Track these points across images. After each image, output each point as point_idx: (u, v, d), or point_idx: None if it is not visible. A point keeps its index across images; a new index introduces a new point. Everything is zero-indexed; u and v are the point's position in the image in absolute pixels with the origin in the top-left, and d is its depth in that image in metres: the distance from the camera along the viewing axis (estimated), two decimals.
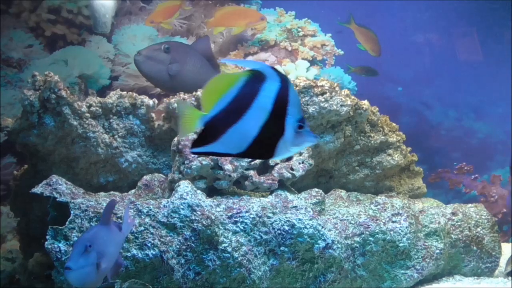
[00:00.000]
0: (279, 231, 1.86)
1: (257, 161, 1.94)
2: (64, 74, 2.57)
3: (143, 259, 1.71)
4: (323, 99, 2.15)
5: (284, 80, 1.19)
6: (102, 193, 1.97)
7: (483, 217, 2.24)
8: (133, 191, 2.04)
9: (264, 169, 1.97)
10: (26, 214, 2.18)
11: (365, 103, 2.24)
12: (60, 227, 1.71)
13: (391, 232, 1.99)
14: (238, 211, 1.84)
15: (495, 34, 4.74)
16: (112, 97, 2.15)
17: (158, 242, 1.73)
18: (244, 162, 1.93)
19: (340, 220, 1.98)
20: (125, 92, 2.17)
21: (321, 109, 2.15)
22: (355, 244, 1.97)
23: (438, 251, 2.09)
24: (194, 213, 1.76)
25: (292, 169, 1.97)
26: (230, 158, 1.91)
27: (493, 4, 4.63)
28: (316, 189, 1.99)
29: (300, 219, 1.87)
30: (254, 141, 1.19)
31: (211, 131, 1.18)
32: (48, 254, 1.70)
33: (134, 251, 1.72)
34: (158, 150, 2.22)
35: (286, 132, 1.19)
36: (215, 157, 1.90)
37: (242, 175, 1.93)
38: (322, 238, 1.89)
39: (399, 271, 2.02)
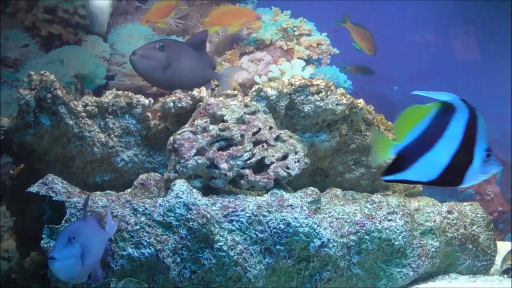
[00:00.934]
0: (274, 230, 1.86)
1: (253, 159, 1.94)
2: (60, 74, 2.57)
3: (139, 257, 1.72)
4: (318, 98, 2.16)
5: (472, 110, 1.27)
6: (98, 192, 1.97)
7: (478, 215, 2.25)
8: (129, 190, 2.04)
9: (260, 168, 1.98)
10: (22, 213, 2.18)
11: (360, 102, 2.25)
12: (56, 226, 1.71)
13: (387, 231, 1.99)
14: (234, 209, 1.85)
15: (492, 33, 4.75)
16: (108, 97, 2.15)
17: (154, 241, 1.73)
18: (240, 161, 1.93)
19: (336, 219, 1.99)
20: (121, 92, 2.17)
21: (317, 108, 2.16)
22: (351, 242, 1.97)
23: (433, 249, 2.10)
24: (190, 212, 1.77)
25: (287, 168, 1.97)
26: (225, 156, 1.91)
27: (489, 3, 4.64)
28: (312, 188, 1.99)
29: (295, 218, 1.88)
30: (445, 170, 1.27)
31: (403, 160, 1.27)
32: (44, 253, 1.71)
33: (130, 250, 1.72)
34: (154, 149, 2.22)
35: (475, 160, 1.28)
36: (211, 156, 1.90)
37: (238, 174, 1.93)
38: (318, 236, 1.89)
39: (395, 269, 2.03)
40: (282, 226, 1.86)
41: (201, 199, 1.82)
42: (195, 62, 2.40)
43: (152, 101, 2.19)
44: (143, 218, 1.76)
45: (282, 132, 2.05)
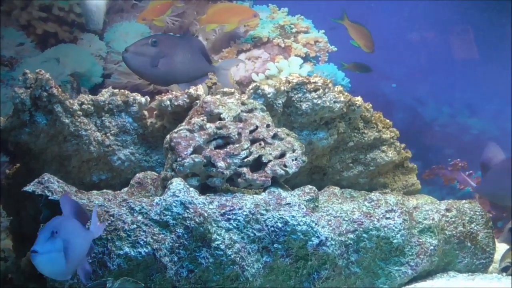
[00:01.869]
0: (272, 228, 1.85)
1: (250, 158, 1.93)
2: (56, 72, 2.56)
3: (136, 257, 1.71)
4: (316, 96, 2.15)
5: None
6: (94, 191, 1.96)
7: (477, 213, 2.24)
8: (125, 189, 2.03)
9: (257, 166, 1.97)
10: (18, 212, 2.17)
11: (358, 100, 2.24)
12: None
13: (385, 229, 1.99)
14: (231, 208, 1.84)
15: (490, 30, 4.74)
16: (104, 95, 2.14)
17: (151, 240, 1.72)
18: (237, 159, 1.92)
19: (334, 217, 1.98)
20: (117, 90, 2.16)
21: (314, 105, 2.15)
22: (349, 241, 1.96)
23: (432, 247, 2.09)
24: (187, 210, 1.75)
25: (285, 166, 1.96)
26: (222, 154, 1.90)
27: (487, 2, 4.64)
28: (310, 186, 1.99)
29: (293, 216, 1.87)
30: None
31: None
32: None
33: (127, 249, 1.71)
34: (151, 148, 2.21)
35: None
36: (208, 154, 1.89)
37: (235, 172, 1.92)
38: (316, 235, 1.88)
39: (393, 267, 2.02)
40: (280, 225, 1.85)
41: (198, 197, 1.81)
42: (190, 56, 2.39)
43: (148, 99, 2.18)
44: (140, 217, 1.75)
45: (279, 130, 2.04)
